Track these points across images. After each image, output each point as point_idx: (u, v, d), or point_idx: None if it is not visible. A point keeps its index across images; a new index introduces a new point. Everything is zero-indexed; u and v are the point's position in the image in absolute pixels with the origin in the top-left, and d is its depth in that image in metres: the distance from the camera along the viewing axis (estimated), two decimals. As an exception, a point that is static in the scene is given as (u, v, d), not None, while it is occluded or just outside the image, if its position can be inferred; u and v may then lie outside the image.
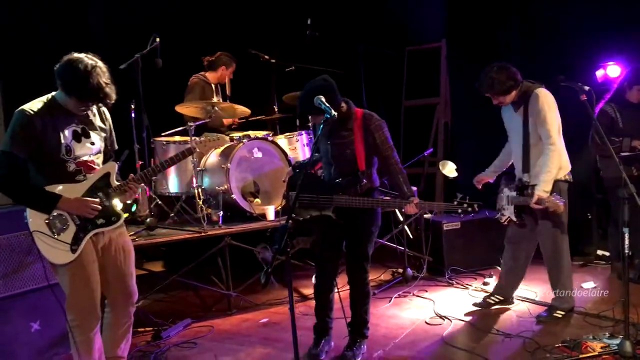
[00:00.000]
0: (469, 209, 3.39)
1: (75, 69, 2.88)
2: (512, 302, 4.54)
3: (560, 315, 4.17)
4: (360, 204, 3.50)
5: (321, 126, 3.16)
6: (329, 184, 3.61)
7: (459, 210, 3.41)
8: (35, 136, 2.92)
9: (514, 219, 4.22)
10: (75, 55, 2.93)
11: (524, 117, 4.06)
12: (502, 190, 4.37)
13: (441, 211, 3.42)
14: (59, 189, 3.02)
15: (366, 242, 3.68)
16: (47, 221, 2.99)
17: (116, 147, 3.39)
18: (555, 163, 3.96)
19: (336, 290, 3.75)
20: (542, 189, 3.92)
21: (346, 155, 3.57)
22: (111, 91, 2.97)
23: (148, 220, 4.88)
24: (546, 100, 3.99)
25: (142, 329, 4.44)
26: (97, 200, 3.09)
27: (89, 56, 2.95)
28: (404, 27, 7.36)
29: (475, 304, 4.54)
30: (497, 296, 4.52)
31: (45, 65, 3.22)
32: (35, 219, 2.99)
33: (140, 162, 5.09)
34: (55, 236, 2.99)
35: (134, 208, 5.18)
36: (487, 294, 4.62)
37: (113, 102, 3.02)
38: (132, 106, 5.05)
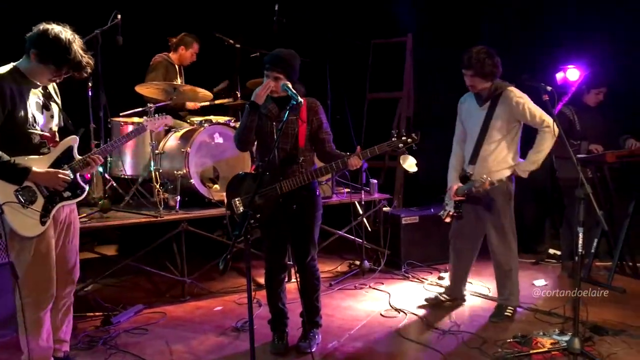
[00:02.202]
0: (409, 140, 3.36)
1: (56, 38, 2.90)
2: (464, 300, 4.59)
3: (510, 313, 4.22)
4: (305, 179, 3.44)
5: (287, 112, 3.11)
6: (269, 175, 3.46)
7: (400, 145, 3.36)
8: (5, 103, 2.87)
9: (452, 211, 4.24)
10: (51, 25, 2.94)
11: (489, 112, 4.08)
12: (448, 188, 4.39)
13: (385, 150, 3.37)
14: (25, 160, 2.97)
15: (312, 228, 3.65)
16: (16, 193, 2.95)
17: (63, 124, 3.33)
18: (548, 145, 4.00)
19: (294, 280, 3.70)
20: (524, 168, 4.04)
21: (289, 134, 3.51)
22: (90, 61, 3.02)
23: (102, 202, 4.74)
24: (520, 94, 4.05)
25: (92, 314, 4.32)
26: (68, 172, 3.09)
27: (65, 28, 2.97)
28: (371, 19, 7.34)
29: (427, 299, 4.57)
30: (445, 295, 4.57)
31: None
32: (3, 191, 2.93)
33: (96, 142, 4.94)
34: (25, 207, 2.96)
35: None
36: (441, 290, 4.66)
37: (90, 73, 3.07)
38: (90, 84, 4.89)
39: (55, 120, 3.17)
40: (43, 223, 3.01)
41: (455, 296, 4.56)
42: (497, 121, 4.06)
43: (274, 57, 3.44)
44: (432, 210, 5.62)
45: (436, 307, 4.48)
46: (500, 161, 4.09)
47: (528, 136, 4.16)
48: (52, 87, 3.20)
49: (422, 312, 4.39)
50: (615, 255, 4.94)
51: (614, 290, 4.70)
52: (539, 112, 4.01)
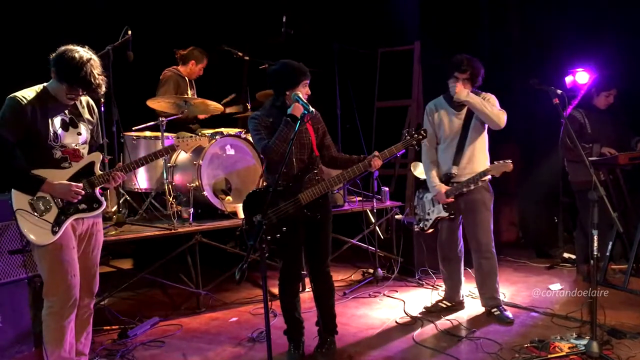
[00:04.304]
0: (421, 137, 3.60)
1: (71, 58, 3.05)
2: (463, 307, 4.58)
3: (498, 314, 4.29)
4: (327, 187, 3.48)
5: (298, 122, 3.14)
6: (287, 189, 3.47)
7: (414, 142, 3.60)
8: (24, 122, 3.06)
9: (445, 214, 4.33)
10: (72, 46, 3.12)
11: (467, 115, 4.29)
12: (423, 197, 4.51)
13: (401, 150, 3.64)
14: (44, 173, 3.12)
15: (329, 235, 3.69)
16: (30, 202, 3.10)
17: (101, 141, 3.56)
18: (496, 114, 4.15)
19: (307, 289, 3.69)
20: (470, 96, 4.17)
21: (305, 144, 3.57)
22: (102, 82, 3.14)
23: (116, 216, 4.77)
24: (494, 97, 4.29)
25: (108, 328, 4.34)
26: (81, 185, 3.20)
27: (85, 49, 3.14)
28: (378, 28, 7.38)
29: (426, 307, 4.58)
30: (446, 302, 4.58)
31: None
32: (18, 199, 3.10)
33: (109, 157, 4.98)
34: (38, 216, 3.10)
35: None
36: (440, 297, 4.67)
37: (103, 93, 3.21)
38: (102, 99, 4.93)
39: (83, 138, 3.30)
40: (54, 232, 3.12)
41: (454, 301, 4.57)
42: (475, 122, 4.26)
43: (304, 68, 3.50)
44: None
45: (452, 313, 4.46)
46: (484, 161, 4.28)
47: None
48: (86, 106, 3.36)
49: (437, 319, 4.37)
50: (631, 258, 4.89)
51: (630, 292, 4.67)
52: (494, 105, 4.21)
